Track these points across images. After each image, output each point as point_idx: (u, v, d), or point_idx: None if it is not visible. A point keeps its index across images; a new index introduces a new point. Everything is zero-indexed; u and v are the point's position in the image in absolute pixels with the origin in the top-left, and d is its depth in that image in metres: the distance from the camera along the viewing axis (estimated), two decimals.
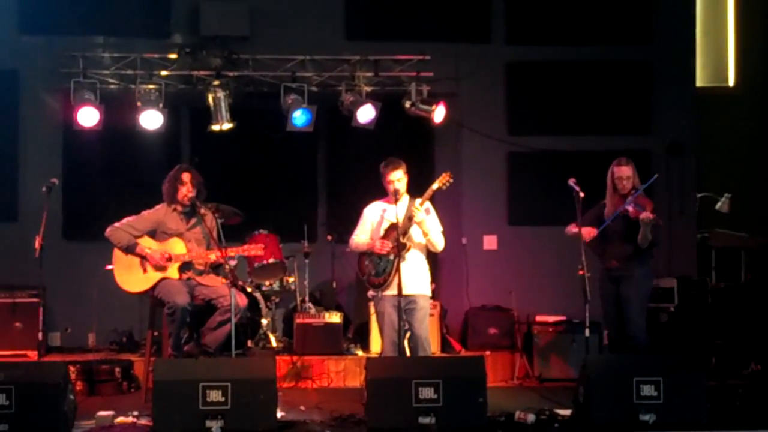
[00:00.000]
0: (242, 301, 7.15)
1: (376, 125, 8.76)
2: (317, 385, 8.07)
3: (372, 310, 7.76)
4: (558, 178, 7.25)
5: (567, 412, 6.46)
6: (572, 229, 7.17)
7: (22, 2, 9.07)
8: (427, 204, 6.89)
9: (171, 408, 5.85)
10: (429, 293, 7.04)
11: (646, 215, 6.90)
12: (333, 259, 9.00)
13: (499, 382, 8.27)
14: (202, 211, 7.28)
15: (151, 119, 8.48)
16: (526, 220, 9.48)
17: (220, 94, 8.64)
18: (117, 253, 7.21)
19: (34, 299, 8.29)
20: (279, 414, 6.19)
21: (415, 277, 6.88)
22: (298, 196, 9.68)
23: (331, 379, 8.17)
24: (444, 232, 7.03)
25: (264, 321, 8.61)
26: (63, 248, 8.90)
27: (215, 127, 8.71)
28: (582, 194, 6.95)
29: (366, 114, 8.71)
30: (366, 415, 6.15)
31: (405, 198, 6.90)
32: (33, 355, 8.05)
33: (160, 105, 8.48)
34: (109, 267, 7.25)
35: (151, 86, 8.52)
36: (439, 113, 8.84)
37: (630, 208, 7.04)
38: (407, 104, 8.86)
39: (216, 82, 8.70)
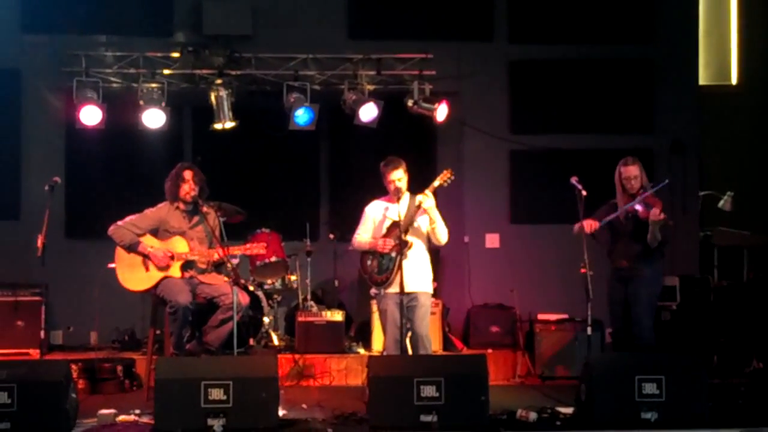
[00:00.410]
0: (244, 299, 7.16)
1: (378, 124, 8.76)
2: (319, 384, 8.07)
3: (374, 308, 7.79)
4: (560, 176, 7.25)
5: (569, 410, 6.46)
6: (578, 226, 7.15)
7: (25, 1, 9.08)
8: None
9: (173, 406, 5.85)
10: (431, 290, 7.04)
11: (655, 214, 6.88)
12: (335, 258, 8.98)
13: (501, 381, 8.26)
14: (205, 209, 7.28)
15: (154, 118, 8.50)
16: (528, 219, 9.48)
17: (223, 92, 8.66)
18: (119, 252, 7.21)
19: (37, 298, 8.33)
20: (281, 412, 6.18)
21: (417, 274, 6.88)
22: (300, 194, 9.69)
23: (333, 377, 8.16)
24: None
25: (266, 319, 8.63)
26: (65, 247, 8.94)
27: (218, 126, 8.73)
28: (584, 193, 6.94)
29: (368, 112, 8.71)
30: (368, 413, 6.16)
31: (406, 196, 6.90)
32: (35, 353, 8.10)
33: (163, 104, 8.49)
34: (112, 265, 7.25)
35: (153, 85, 8.54)
36: (441, 112, 8.84)
37: (639, 208, 7.01)
38: (410, 103, 8.85)
39: (218, 81, 8.72)
